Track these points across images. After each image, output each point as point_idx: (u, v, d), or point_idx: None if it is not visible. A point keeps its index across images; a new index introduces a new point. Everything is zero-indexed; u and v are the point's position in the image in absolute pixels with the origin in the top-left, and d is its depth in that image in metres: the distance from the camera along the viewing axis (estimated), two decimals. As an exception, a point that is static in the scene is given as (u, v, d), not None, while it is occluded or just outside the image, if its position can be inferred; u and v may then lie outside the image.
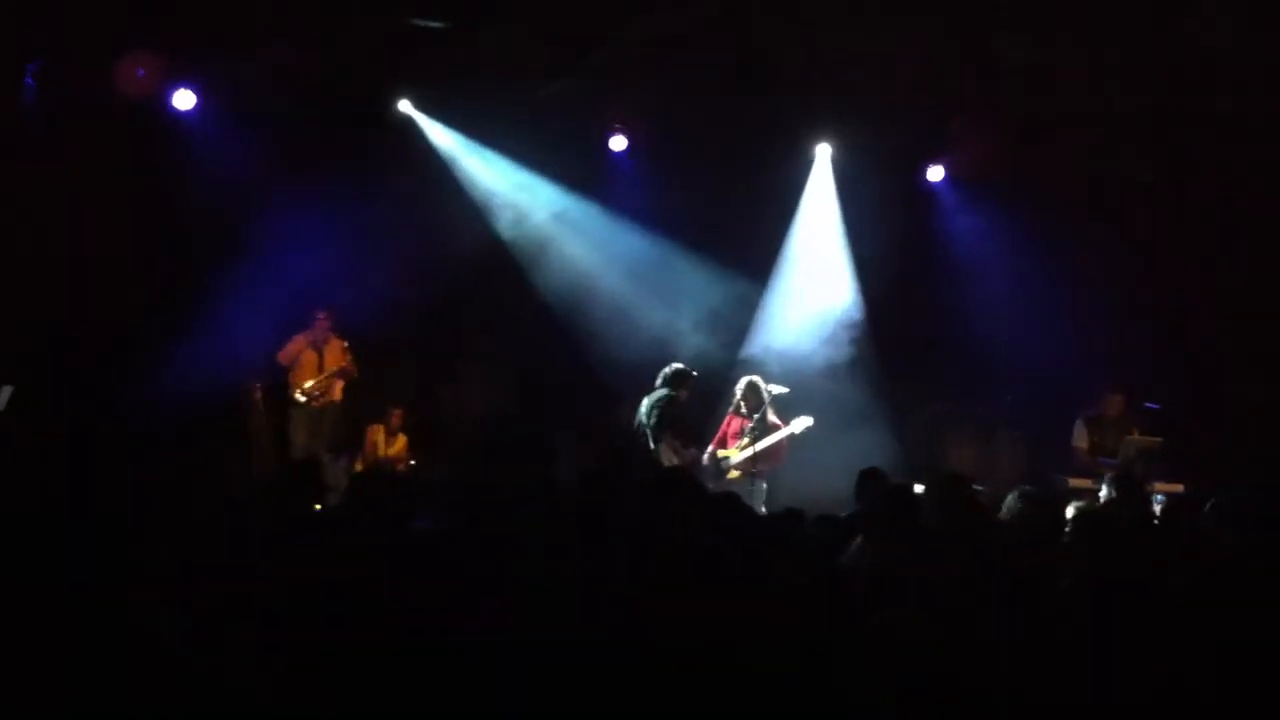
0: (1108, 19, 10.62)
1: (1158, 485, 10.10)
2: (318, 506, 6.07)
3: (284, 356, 11.84)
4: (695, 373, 11.15)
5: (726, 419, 11.36)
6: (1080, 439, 11.31)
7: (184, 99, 11.70)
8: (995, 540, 5.64)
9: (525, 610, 3.97)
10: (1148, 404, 11.26)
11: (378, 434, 12.29)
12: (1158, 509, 8.82)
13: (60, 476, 5.72)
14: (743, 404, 11.21)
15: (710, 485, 10.75)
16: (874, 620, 4.02)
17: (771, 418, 11.09)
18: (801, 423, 11.05)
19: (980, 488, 7.76)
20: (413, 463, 12.19)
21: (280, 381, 11.90)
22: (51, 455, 6.54)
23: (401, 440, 12.34)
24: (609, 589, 4.18)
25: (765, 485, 11.04)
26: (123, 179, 11.36)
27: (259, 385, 11.90)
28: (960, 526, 5.72)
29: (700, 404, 11.55)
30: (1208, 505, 6.88)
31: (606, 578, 4.32)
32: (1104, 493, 8.37)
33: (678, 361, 11.23)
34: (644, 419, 10.88)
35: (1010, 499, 7.08)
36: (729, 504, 5.91)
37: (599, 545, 4.90)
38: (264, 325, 11.68)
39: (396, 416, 12.32)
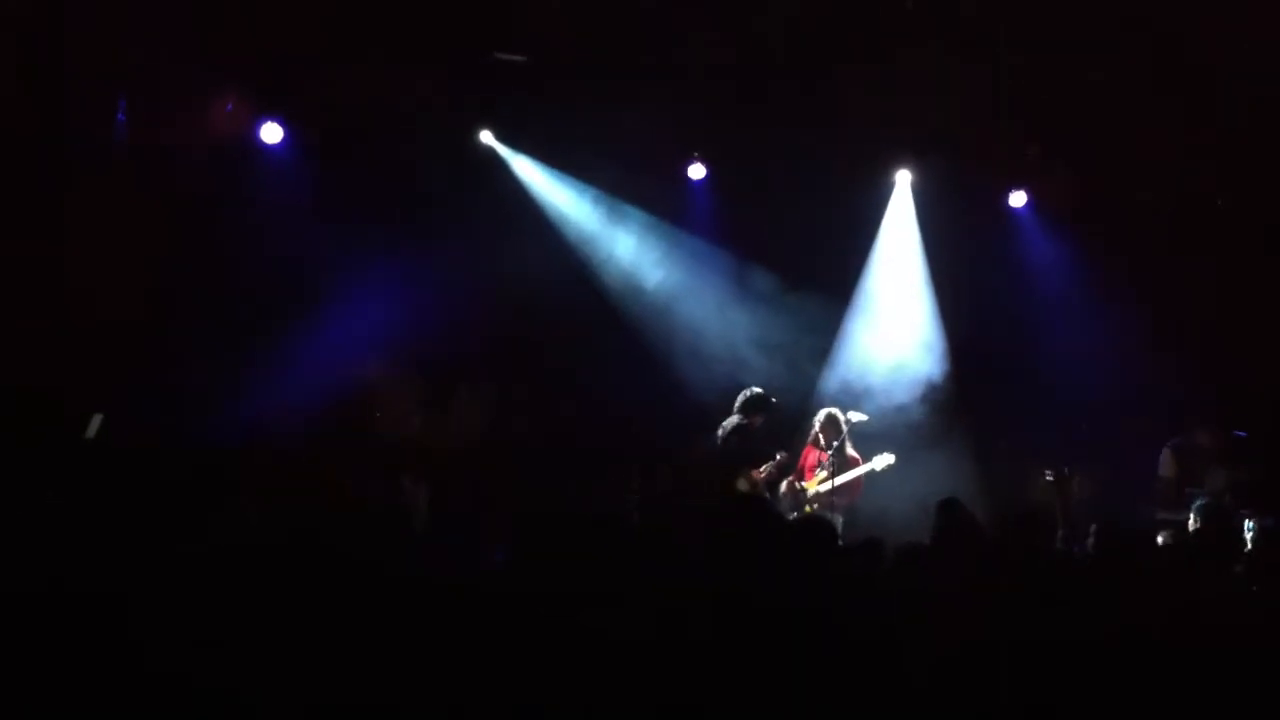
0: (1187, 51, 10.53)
1: (1248, 516, 9.88)
2: None
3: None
4: (774, 400, 11.14)
5: (805, 450, 11.33)
6: (1168, 468, 11.11)
7: (271, 132, 11.90)
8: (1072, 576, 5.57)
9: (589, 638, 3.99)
10: (1236, 432, 11.06)
11: None
12: (1249, 537, 8.62)
13: (152, 502, 5.82)
14: (820, 436, 11.17)
15: (787, 516, 10.74)
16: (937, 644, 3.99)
17: (850, 451, 11.04)
18: (883, 460, 10.99)
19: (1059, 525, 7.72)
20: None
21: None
22: (143, 481, 6.66)
23: None
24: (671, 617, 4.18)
25: (841, 519, 10.95)
26: (212, 211, 11.58)
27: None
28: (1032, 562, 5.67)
29: (778, 432, 11.51)
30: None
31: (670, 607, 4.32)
32: (1193, 522, 8.23)
33: (757, 388, 11.23)
34: (718, 447, 10.93)
35: (1094, 530, 7.00)
36: (805, 531, 5.88)
37: (663, 570, 4.90)
38: (348, 352, 11.81)
39: None
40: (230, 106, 11.59)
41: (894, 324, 13.01)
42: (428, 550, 5.55)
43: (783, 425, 11.62)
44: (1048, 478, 11.54)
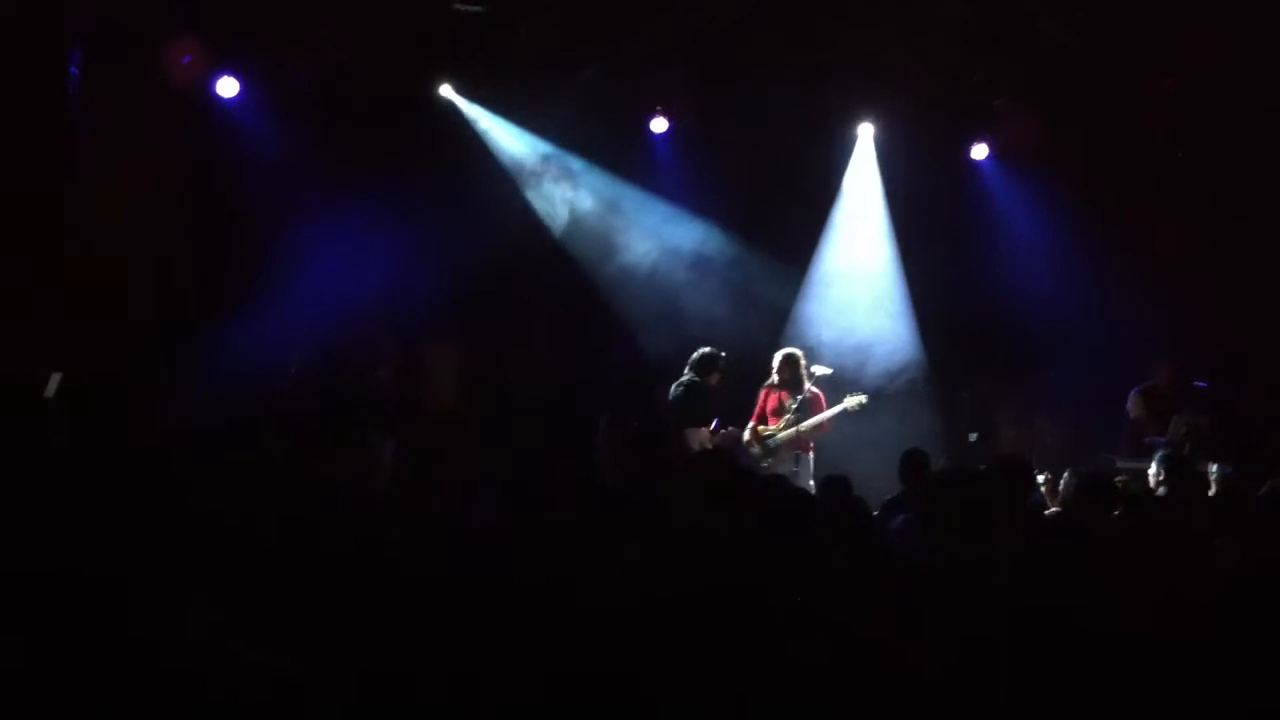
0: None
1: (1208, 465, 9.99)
2: None
3: None
4: (724, 355, 11.12)
5: (763, 393, 11.32)
6: (1137, 408, 11.21)
7: (227, 86, 11.71)
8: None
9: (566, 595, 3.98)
10: (1197, 382, 11.17)
11: None
12: (1213, 480, 8.69)
13: (109, 460, 5.77)
14: (777, 376, 11.19)
15: (757, 463, 10.77)
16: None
17: (810, 387, 11.04)
18: (855, 400, 11.00)
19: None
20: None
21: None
22: (102, 441, 6.60)
23: None
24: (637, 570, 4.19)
25: (812, 458, 11.02)
26: (167, 167, 11.41)
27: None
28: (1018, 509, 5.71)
29: (743, 387, 11.51)
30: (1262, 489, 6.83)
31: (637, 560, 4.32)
32: (1153, 471, 8.32)
33: (707, 346, 11.19)
34: (670, 404, 10.92)
35: (1066, 478, 7.07)
36: (768, 485, 5.90)
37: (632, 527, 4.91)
38: (306, 312, 11.70)
39: None
40: (187, 59, 11.36)
41: (857, 275, 13.01)
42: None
43: (747, 381, 11.61)
44: (971, 439, 11.70)
